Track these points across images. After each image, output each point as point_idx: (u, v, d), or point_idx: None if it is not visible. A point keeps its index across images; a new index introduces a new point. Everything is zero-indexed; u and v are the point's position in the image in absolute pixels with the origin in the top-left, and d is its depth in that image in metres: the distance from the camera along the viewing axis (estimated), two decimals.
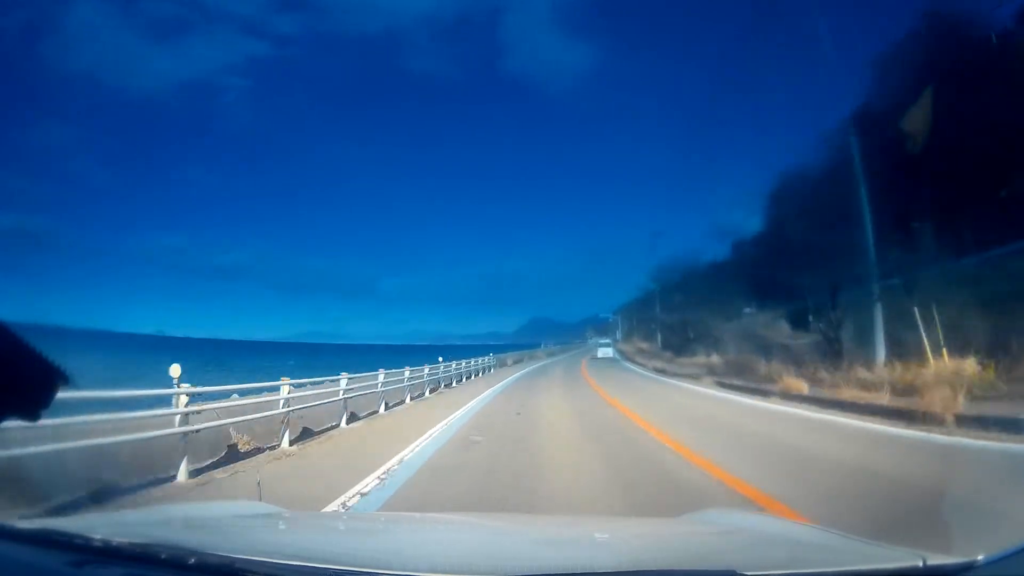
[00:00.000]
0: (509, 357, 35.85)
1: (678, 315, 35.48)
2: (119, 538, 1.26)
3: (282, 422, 7.61)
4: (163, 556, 1.20)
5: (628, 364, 34.49)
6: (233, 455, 6.70)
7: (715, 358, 22.23)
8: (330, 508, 4.59)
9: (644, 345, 45.62)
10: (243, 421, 7.07)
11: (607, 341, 50.28)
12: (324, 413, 9.53)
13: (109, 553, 1.23)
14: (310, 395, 9.24)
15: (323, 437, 8.65)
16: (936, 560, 1.15)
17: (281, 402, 7.72)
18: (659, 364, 28.91)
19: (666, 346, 36.48)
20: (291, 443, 7.64)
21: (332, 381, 10.46)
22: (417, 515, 2.33)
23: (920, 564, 1.16)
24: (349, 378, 10.24)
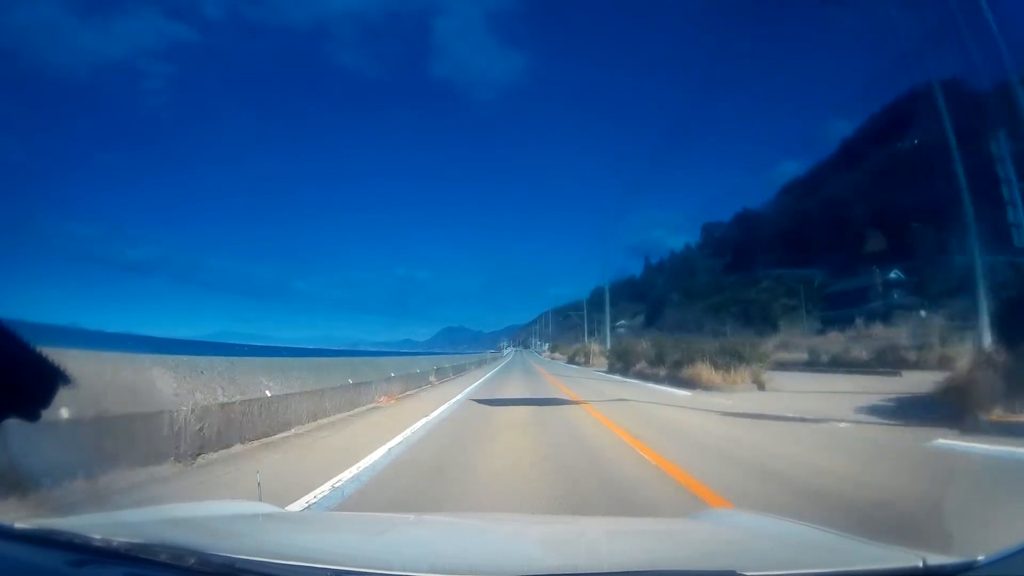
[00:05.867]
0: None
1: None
2: (119, 538, 1.26)
3: None
4: (163, 556, 1.19)
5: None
6: None
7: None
8: None
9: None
10: None
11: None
12: None
13: (109, 553, 1.22)
14: None
15: None
16: (936, 560, 1.16)
17: None
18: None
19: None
20: None
21: None
22: (416, 516, 2.33)
23: (920, 564, 1.16)
24: None
